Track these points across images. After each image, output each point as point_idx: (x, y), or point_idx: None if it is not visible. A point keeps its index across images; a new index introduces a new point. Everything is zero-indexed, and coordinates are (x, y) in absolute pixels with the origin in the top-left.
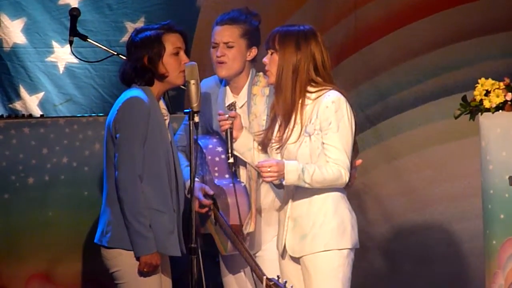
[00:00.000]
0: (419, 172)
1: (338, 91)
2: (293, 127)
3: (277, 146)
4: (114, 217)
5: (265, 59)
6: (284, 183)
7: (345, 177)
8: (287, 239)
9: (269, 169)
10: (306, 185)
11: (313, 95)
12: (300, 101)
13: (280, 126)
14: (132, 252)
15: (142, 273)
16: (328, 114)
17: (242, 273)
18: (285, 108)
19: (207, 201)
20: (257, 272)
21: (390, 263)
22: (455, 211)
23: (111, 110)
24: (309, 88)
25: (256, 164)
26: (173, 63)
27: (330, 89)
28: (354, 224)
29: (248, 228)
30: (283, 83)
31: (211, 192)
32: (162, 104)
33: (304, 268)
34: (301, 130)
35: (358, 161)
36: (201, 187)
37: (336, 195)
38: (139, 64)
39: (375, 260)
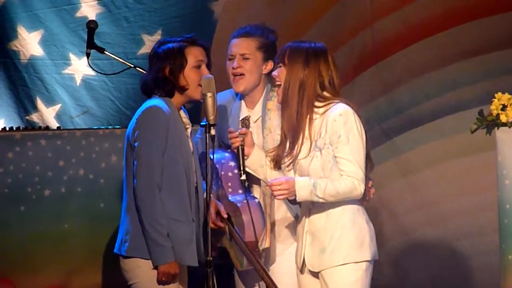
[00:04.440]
0: (435, 186)
1: (346, 103)
2: (302, 142)
3: (289, 163)
4: (133, 226)
5: (275, 73)
6: (297, 199)
7: (360, 188)
8: (306, 253)
9: (279, 187)
10: (320, 200)
11: (321, 110)
12: (308, 117)
13: (289, 142)
14: (150, 262)
15: (160, 283)
16: (337, 127)
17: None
18: (291, 123)
19: (220, 224)
20: None
21: (404, 277)
22: (471, 225)
23: (132, 120)
24: (317, 103)
25: (267, 183)
26: (194, 76)
27: (337, 102)
28: (373, 236)
29: (264, 244)
30: (289, 98)
31: (225, 215)
32: (183, 113)
33: (323, 283)
34: (311, 145)
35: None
36: (215, 205)
37: (353, 207)
38: (160, 74)
39: (390, 274)
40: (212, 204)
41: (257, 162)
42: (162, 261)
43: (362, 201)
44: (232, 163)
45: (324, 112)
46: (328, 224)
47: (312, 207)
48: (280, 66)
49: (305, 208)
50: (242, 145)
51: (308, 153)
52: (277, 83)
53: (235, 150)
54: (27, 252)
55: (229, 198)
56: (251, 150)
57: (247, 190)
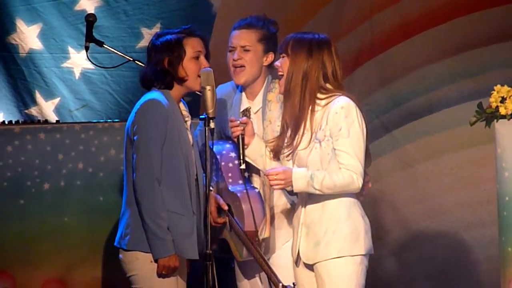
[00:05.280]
0: (435, 179)
1: (348, 97)
2: (303, 133)
3: (288, 153)
4: (133, 219)
5: (277, 63)
6: (293, 190)
7: (358, 182)
8: (301, 246)
9: (275, 177)
10: (317, 192)
11: (323, 102)
12: (309, 108)
13: (290, 132)
14: (149, 255)
15: (160, 276)
16: (338, 120)
17: (257, 279)
18: (293, 113)
19: (220, 220)
20: (272, 279)
21: (404, 271)
22: (471, 218)
23: (131, 113)
24: (319, 95)
25: (264, 172)
26: (193, 67)
27: (340, 95)
28: (368, 230)
29: (263, 234)
30: (292, 88)
31: (226, 208)
32: (182, 106)
33: (317, 275)
34: (311, 136)
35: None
36: (215, 198)
37: (349, 201)
38: (159, 67)
39: (390, 267)
40: (212, 200)
41: (257, 152)
42: (163, 255)
43: (359, 195)
44: (233, 154)
45: (326, 104)
46: (324, 217)
47: (308, 199)
48: (283, 57)
49: (301, 200)
50: (243, 134)
51: (307, 144)
52: (280, 73)
53: (236, 139)
54: (26, 245)
55: (229, 188)
56: (251, 139)
57: (247, 180)
